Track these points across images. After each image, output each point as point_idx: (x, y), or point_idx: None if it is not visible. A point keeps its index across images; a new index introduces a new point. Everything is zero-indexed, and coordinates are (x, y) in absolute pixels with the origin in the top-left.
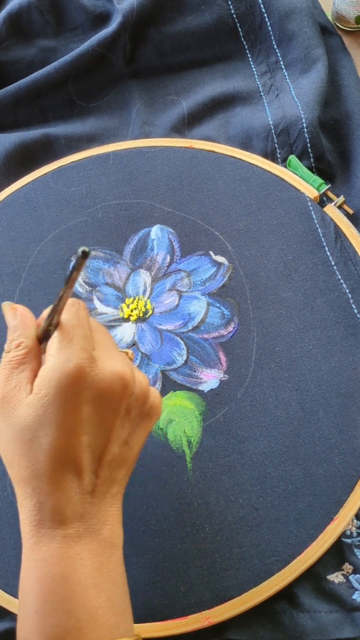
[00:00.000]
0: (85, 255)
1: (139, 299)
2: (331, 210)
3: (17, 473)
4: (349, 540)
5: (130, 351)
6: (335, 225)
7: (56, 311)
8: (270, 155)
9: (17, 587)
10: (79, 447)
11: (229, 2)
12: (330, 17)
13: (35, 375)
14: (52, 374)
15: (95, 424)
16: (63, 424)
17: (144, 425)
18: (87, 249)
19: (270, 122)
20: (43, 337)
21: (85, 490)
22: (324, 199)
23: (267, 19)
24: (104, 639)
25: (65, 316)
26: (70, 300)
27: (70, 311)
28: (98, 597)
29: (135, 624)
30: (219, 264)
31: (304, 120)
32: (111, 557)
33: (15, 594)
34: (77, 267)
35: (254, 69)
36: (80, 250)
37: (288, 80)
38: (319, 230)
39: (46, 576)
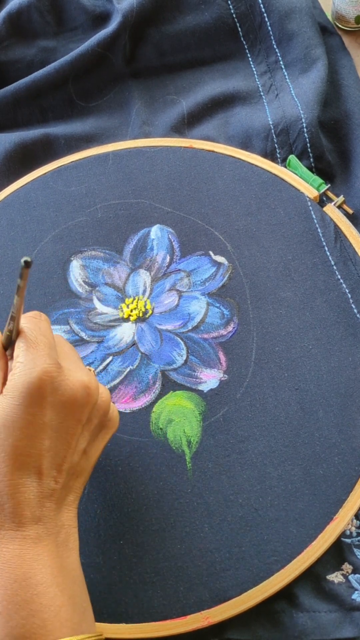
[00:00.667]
0: (27, 264)
1: (138, 299)
2: (331, 210)
3: None
4: (348, 540)
5: (92, 368)
6: (335, 225)
7: (13, 318)
8: (270, 155)
9: None
10: (40, 451)
11: (229, 2)
12: (330, 17)
13: (4, 378)
14: (20, 378)
15: (57, 430)
16: (27, 425)
17: (102, 436)
18: (29, 259)
19: (270, 122)
20: (6, 344)
21: (44, 495)
22: (324, 198)
23: (266, 19)
24: (68, 635)
25: (28, 326)
26: (33, 313)
27: (33, 322)
28: (61, 596)
29: (134, 624)
30: (218, 264)
31: (303, 120)
32: (69, 558)
33: None
34: (22, 277)
35: (254, 69)
36: (22, 260)
37: (288, 80)
38: (319, 230)
39: (9, 578)
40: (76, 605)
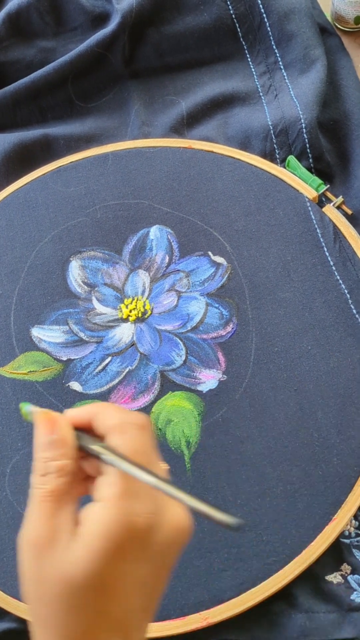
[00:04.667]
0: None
1: (137, 299)
2: (330, 210)
3: (52, 634)
4: (347, 541)
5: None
6: (334, 226)
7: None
8: (269, 156)
9: (17, 588)
10: (130, 612)
11: (228, 3)
12: (329, 18)
13: (76, 508)
14: (110, 526)
15: (150, 585)
16: (119, 587)
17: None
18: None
19: (269, 123)
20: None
21: None
22: (323, 199)
23: (266, 19)
24: None
25: (130, 449)
26: (140, 420)
27: (137, 439)
28: None
29: None
30: (217, 265)
31: (302, 120)
32: None
33: (15, 595)
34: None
35: (253, 70)
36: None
37: (287, 80)
38: (318, 230)
39: None
40: None
